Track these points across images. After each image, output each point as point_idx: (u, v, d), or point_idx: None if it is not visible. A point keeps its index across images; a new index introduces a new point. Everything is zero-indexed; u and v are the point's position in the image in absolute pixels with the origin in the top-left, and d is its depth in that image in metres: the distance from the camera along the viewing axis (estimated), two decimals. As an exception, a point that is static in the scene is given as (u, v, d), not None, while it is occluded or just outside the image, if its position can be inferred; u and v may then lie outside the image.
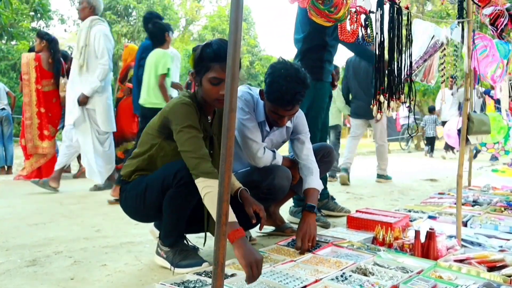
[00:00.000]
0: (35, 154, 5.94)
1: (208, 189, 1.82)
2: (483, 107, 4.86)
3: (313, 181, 2.55)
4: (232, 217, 1.75)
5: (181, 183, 1.97)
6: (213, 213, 1.78)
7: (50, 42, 5.90)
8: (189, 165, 1.91)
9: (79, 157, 6.34)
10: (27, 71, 5.88)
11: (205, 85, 2.01)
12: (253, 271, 1.63)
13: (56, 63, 5.88)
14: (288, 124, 2.53)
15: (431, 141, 12.02)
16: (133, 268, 2.19)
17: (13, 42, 14.97)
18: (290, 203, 3.29)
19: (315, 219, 2.46)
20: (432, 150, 11.82)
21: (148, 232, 2.55)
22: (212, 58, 1.95)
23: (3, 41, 15.45)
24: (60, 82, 5.94)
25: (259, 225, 2.17)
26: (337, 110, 6.59)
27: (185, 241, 2.22)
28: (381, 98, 1.91)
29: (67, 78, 6.05)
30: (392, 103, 1.94)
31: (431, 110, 12.34)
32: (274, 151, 2.55)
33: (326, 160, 2.80)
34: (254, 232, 2.62)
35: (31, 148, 5.89)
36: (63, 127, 6.27)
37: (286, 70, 2.27)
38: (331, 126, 6.03)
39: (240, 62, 2.05)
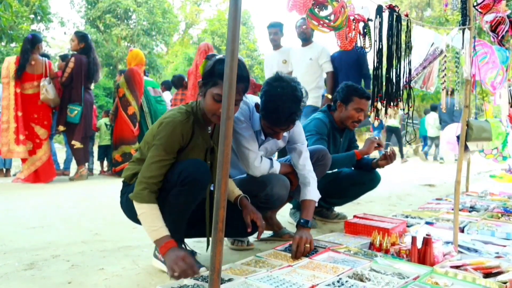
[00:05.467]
0: (29, 157, 5.95)
1: (140, 211, 2.02)
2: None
3: (310, 192, 2.55)
4: (165, 230, 1.98)
5: (186, 181, 1.98)
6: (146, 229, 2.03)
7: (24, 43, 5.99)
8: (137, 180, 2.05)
9: (78, 161, 6.35)
10: (6, 74, 5.90)
11: (207, 98, 2.03)
12: (174, 268, 1.89)
13: (20, 61, 5.88)
14: (284, 133, 2.52)
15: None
16: (131, 272, 2.19)
17: (13, 45, 14.96)
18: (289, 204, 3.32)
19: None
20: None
21: (145, 236, 2.54)
22: (221, 75, 1.91)
23: (3, 44, 15.44)
24: (40, 84, 5.92)
25: (257, 233, 2.19)
26: None
27: (183, 245, 2.23)
28: (379, 104, 1.92)
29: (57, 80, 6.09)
30: (389, 110, 1.95)
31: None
32: (271, 159, 2.53)
33: (321, 163, 2.78)
34: (252, 237, 2.62)
35: (6, 152, 5.88)
36: (55, 131, 6.31)
37: (282, 89, 2.22)
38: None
39: (248, 76, 2.07)
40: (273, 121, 2.26)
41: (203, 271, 2.03)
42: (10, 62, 5.93)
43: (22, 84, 5.90)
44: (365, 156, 3.52)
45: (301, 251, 2.27)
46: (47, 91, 5.89)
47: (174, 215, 2.07)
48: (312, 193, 2.56)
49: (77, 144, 6.22)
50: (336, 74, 5.18)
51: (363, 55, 5.00)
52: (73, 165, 6.97)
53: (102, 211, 3.86)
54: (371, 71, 2.13)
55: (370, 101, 3.02)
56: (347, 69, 5.07)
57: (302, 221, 2.44)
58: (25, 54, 5.92)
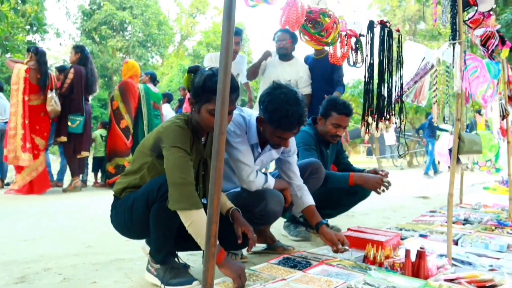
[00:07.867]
0: (26, 167, 5.91)
1: (188, 221, 1.91)
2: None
3: (309, 198, 2.64)
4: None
5: (165, 197, 1.96)
6: (198, 240, 1.90)
7: (35, 54, 6.02)
8: (170, 184, 1.92)
9: (73, 172, 6.34)
10: (16, 81, 5.91)
11: (204, 114, 2.03)
12: (242, 280, 1.91)
13: (43, 76, 5.94)
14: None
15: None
16: (123, 285, 2.17)
17: (8, 55, 14.97)
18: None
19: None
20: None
21: (138, 249, 2.54)
22: (213, 90, 1.74)
23: (-2, 54, 15.47)
24: (47, 96, 5.97)
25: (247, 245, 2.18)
26: None
27: (176, 259, 2.21)
28: (369, 119, 1.93)
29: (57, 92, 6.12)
30: (380, 124, 1.96)
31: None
32: (266, 174, 2.53)
33: (315, 176, 2.79)
34: (244, 250, 2.61)
35: (12, 159, 5.85)
36: (54, 141, 6.30)
37: (285, 95, 2.26)
38: None
39: (238, 86, 2.07)
40: (286, 126, 2.28)
41: (196, 285, 2.02)
42: (21, 70, 5.93)
43: (29, 95, 5.92)
44: (356, 167, 3.54)
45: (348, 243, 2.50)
46: (56, 103, 5.98)
47: (159, 230, 2.06)
48: (311, 199, 2.66)
49: (85, 154, 6.38)
50: None
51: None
52: (67, 176, 6.93)
53: (95, 223, 3.83)
54: (359, 85, 2.18)
55: (350, 118, 3.08)
56: (318, 77, 4.74)
57: (321, 223, 2.57)
58: (45, 64, 6.02)
